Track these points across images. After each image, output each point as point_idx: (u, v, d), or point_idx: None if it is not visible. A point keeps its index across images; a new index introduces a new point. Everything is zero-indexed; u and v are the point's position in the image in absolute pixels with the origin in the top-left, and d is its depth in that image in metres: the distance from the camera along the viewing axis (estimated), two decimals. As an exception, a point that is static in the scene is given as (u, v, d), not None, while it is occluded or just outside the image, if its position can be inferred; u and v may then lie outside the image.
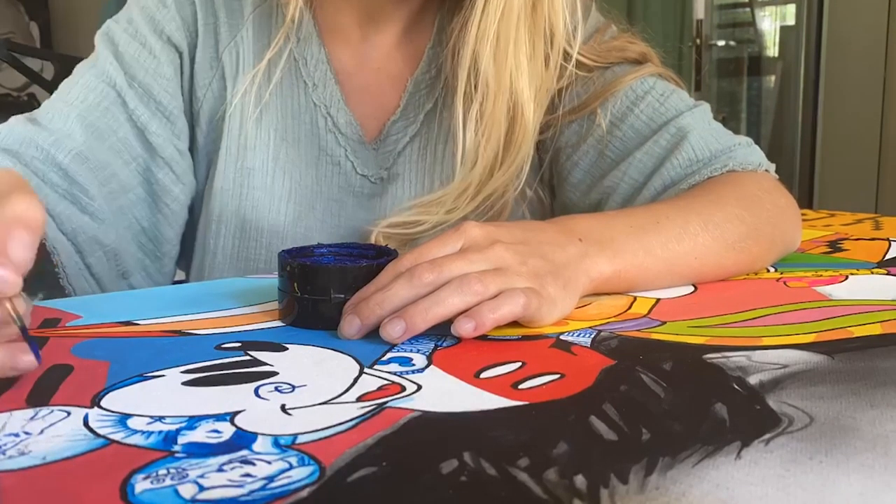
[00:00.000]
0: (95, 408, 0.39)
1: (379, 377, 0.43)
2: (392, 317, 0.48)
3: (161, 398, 0.40)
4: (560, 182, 0.81)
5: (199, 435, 0.35)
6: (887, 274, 0.65)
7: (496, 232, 0.54)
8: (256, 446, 0.34)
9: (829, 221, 0.93)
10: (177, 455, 0.33)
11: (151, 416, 0.38)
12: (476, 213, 0.75)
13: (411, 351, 0.47)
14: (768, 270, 0.67)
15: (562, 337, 0.49)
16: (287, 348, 0.48)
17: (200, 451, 0.34)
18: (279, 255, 0.53)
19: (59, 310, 0.56)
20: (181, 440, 0.35)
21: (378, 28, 0.80)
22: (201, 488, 0.31)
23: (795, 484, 0.30)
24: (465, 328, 0.47)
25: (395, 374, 0.43)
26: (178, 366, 0.44)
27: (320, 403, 0.39)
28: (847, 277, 0.63)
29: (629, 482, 0.31)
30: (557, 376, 0.42)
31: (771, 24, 3.40)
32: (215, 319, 0.54)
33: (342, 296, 0.51)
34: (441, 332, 0.49)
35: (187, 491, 0.30)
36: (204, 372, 0.44)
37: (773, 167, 0.74)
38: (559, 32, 0.73)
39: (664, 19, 3.46)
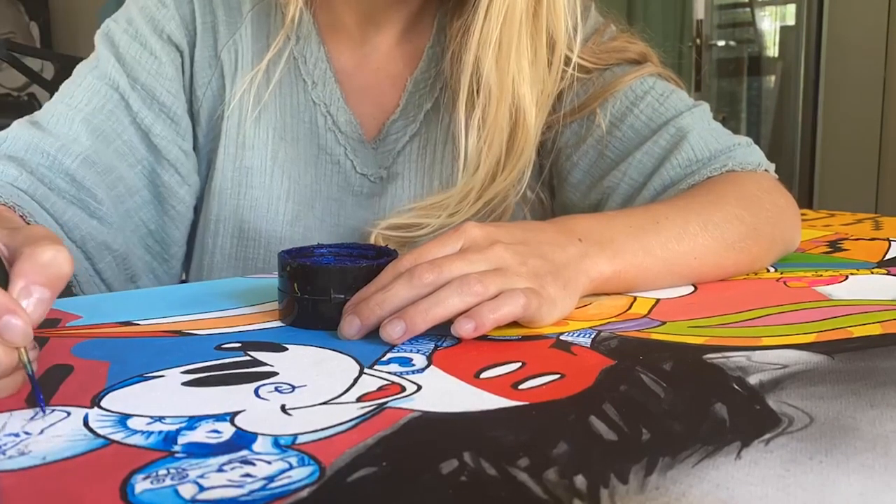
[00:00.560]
0: (95, 408, 0.39)
1: (379, 377, 0.43)
2: (392, 317, 0.48)
3: (161, 398, 0.40)
4: (560, 182, 0.81)
5: (199, 435, 0.35)
6: (887, 274, 0.65)
7: (496, 232, 0.54)
8: (256, 446, 0.34)
9: (829, 221, 0.93)
10: (177, 455, 0.33)
11: (151, 417, 0.38)
12: (477, 217, 0.75)
13: (411, 351, 0.47)
14: (768, 270, 0.67)
15: (562, 337, 0.49)
16: (287, 348, 0.48)
17: (200, 451, 0.34)
18: (279, 255, 0.53)
19: (59, 310, 0.56)
20: (181, 440, 0.35)
21: (378, 28, 0.80)
22: (201, 488, 0.31)
23: (795, 484, 0.30)
24: (465, 328, 0.47)
25: (395, 374, 0.43)
26: (178, 366, 0.44)
27: (320, 403, 0.39)
28: (847, 277, 0.63)
29: (629, 482, 0.31)
30: (557, 376, 0.42)
31: (771, 24, 3.40)
32: (215, 319, 0.54)
33: (342, 296, 0.51)
34: (441, 333, 0.49)
35: (187, 491, 0.30)
36: (204, 372, 0.44)
37: (772, 167, 0.74)
38: (560, 37, 0.73)
39: (664, 19, 3.46)
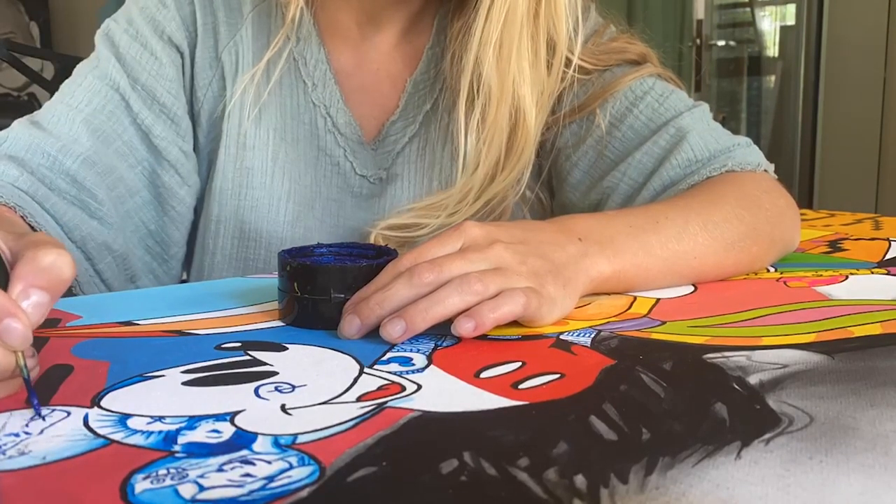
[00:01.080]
0: (95, 408, 0.39)
1: (379, 377, 0.43)
2: (392, 316, 0.48)
3: (161, 398, 0.40)
4: (559, 182, 0.81)
5: (199, 435, 0.35)
6: (887, 274, 0.65)
7: (496, 231, 0.54)
8: (256, 446, 0.34)
9: (829, 221, 0.93)
10: (177, 455, 0.33)
11: (151, 416, 0.38)
12: (477, 217, 0.75)
13: (411, 351, 0.47)
14: (768, 270, 0.67)
15: (562, 337, 0.49)
16: (287, 348, 0.48)
17: (200, 451, 0.34)
18: (279, 254, 0.53)
19: (59, 310, 0.56)
20: (181, 440, 0.35)
21: (378, 28, 0.80)
22: (201, 488, 0.31)
23: (795, 484, 0.30)
24: (465, 328, 0.47)
25: (395, 373, 0.43)
26: (178, 366, 0.44)
27: (320, 403, 0.39)
28: (847, 277, 0.63)
29: (629, 482, 0.31)
30: (557, 376, 0.42)
31: (771, 24, 3.40)
32: (215, 319, 0.54)
33: (342, 296, 0.51)
34: (441, 332, 0.49)
35: (187, 491, 0.30)
36: (204, 372, 0.44)
37: (771, 167, 0.74)
38: (561, 38, 0.73)
39: (664, 19, 3.46)
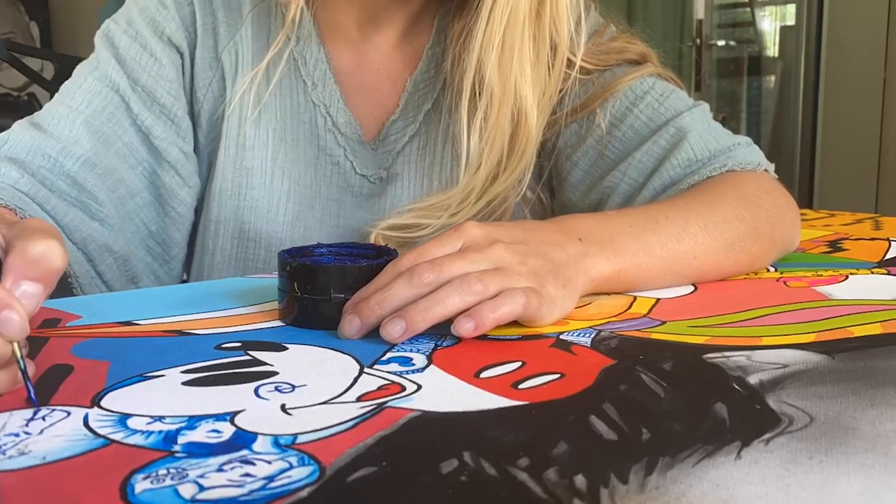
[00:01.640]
0: (95, 408, 0.39)
1: (379, 377, 0.43)
2: (392, 316, 0.48)
3: (161, 398, 0.40)
4: (559, 182, 0.81)
5: (199, 435, 0.35)
6: (887, 274, 0.65)
7: (496, 231, 0.54)
8: (256, 446, 0.34)
9: (829, 221, 0.93)
10: (177, 455, 0.33)
11: (151, 416, 0.38)
12: (478, 217, 0.75)
13: (411, 351, 0.47)
14: (768, 270, 0.67)
15: (562, 337, 0.49)
16: (287, 348, 0.48)
17: (200, 450, 0.34)
18: (279, 254, 0.53)
19: (59, 310, 0.56)
20: (181, 440, 0.35)
21: (378, 28, 0.80)
22: (201, 488, 0.31)
23: (795, 484, 0.30)
24: (465, 328, 0.47)
25: (395, 373, 0.43)
26: (178, 366, 0.44)
27: (320, 403, 0.39)
28: (847, 277, 0.63)
29: (629, 482, 0.31)
30: (557, 376, 0.42)
31: (771, 24, 3.40)
32: (215, 319, 0.54)
33: (342, 296, 0.51)
34: (441, 332, 0.49)
35: (187, 491, 0.30)
36: (204, 372, 0.44)
37: (772, 167, 0.74)
38: (563, 39, 0.73)
39: (664, 19, 3.46)
